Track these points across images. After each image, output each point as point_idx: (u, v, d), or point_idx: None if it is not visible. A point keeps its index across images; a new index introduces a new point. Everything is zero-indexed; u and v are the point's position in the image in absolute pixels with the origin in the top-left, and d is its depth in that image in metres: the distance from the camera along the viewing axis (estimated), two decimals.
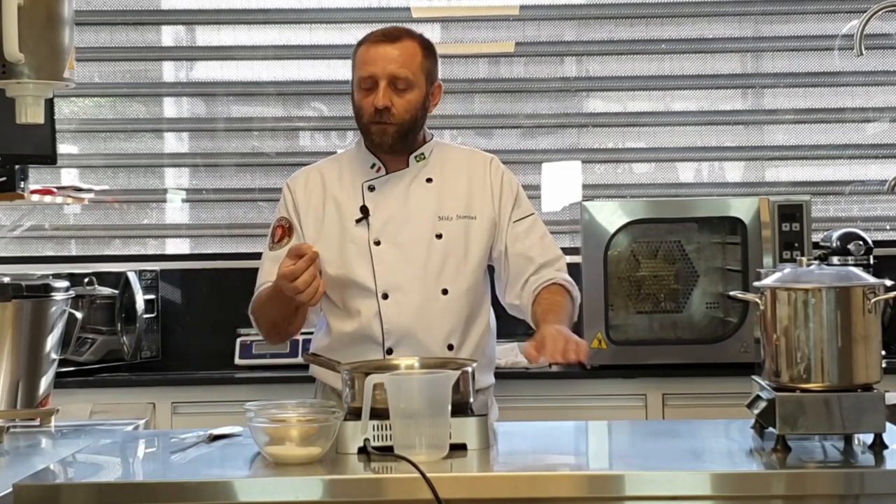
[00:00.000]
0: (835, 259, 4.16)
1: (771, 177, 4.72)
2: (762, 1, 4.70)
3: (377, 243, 2.88)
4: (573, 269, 4.22)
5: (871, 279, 2.37)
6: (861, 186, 4.69)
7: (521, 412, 3.58)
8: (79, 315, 3.33)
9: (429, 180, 2.95)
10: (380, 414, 2.30)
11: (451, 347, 2.88)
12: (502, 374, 3.50)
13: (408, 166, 2.95)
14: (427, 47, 2.92)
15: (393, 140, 2.88)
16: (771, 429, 2.36)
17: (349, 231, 2.90)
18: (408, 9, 4.69)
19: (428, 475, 2.11)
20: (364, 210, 2.90)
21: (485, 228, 2.93)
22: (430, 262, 2.88)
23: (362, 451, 2.32)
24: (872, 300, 2.33)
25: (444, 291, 2.88)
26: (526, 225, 2.96)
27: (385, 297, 2.87)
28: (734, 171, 4.75)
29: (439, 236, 2.89)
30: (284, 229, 2.96)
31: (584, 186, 4.67)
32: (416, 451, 2.23)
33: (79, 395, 3.87)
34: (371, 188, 2.94)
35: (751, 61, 4.75)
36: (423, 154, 2.96)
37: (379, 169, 2.95)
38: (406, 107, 2.86)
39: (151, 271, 4.36)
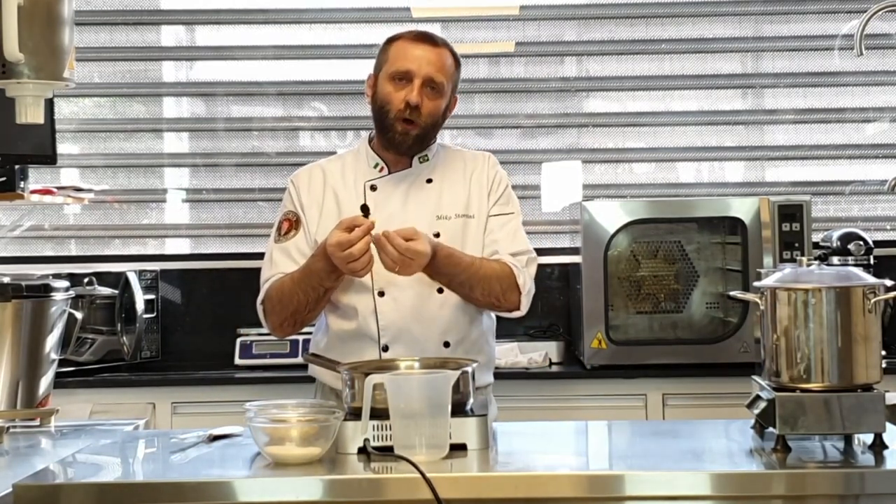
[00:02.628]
0: (835, 259, 4.16)
1: (771, 177, 4.72)
2: (762, 1, 4.70)
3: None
4: (573, 269, 4.25)
5: (871, 279, 2.37)
6: (861, 186, 4.69)
7: (521, 412, 3.58)
8: (79, 315, 3.34)
9: (429, 181, 2.97)
10: (380, 414, 2.30)
11: (447, 345, 2.88)
12: (502, 374, 3.51)
13: (410, 167, 2.96)
14: (457, 61, 2.96)
15: (413, 141, 2.90)
16: (771, 429, 2.36)
17: None
18: (408, 9, 4.69)
19: (428, 475, 2.11)
20: (364, 209, 2.91)
21: (480, 227, 2.95)
22: None
23: (362, 451, 2.32)
24: (872, 300, 2.33)
25: (440, 290, 2.88)
26: (502, 221, 2.96)
27: (381, 294, 2.88)
28: (734, 171, 4.75)
29: (437, 235, 2.89)
30: (291, 222, 2.97)
31: (584, 186, 4.67)
32: (416, 451, 2.23)
33: (79, 395, 3.87)
34: (373, 187, 2.95)
35: (751, 61, 4.75)
36: (426, 156, 2.98)
37: (382, 169, 2.96)
38: (432, 111, 2.89)
39: (151, 271, 4.36)
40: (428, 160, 2.98)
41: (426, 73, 2.86)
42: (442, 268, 2.76)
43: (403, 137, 2.89)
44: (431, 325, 2.88)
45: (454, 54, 2.95)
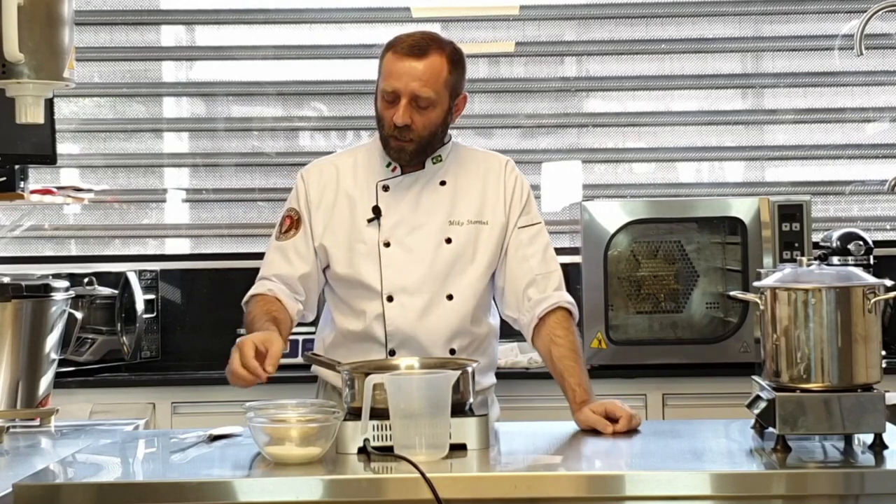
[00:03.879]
0: (835, 259, 4.16)
1: (771, 177, 4.72)
2: (762, 1, 4.70)
3: (387, 245, 2.87)
4: (573, 269, 4.25)
5: (871, 279, 2.37)
6: (861, 186, 4.69)
7: (522, 412, 3.58)
8: (79, 315, 3.34)
9: (442, 183, 2.92)
10: (380, 414, 2.30)
11: (452, 352, 2.87)
12: (502, 374, 3.49)
13: (423, 168, 2.92)
14: (454, 60, 2.87)
15: (410, 156, 2.86)
16: (771, 429, 2.36)
17: (359, 230, 2.89)
18: (408, 9, 4.69)
19: (428, 475, 2.11)
20: (376, 210, 2.88)
21: (495, 234, 2.91)
22: (438, 266, 2.87)
23: (362, 451, 2.32)
24: (872, 300, 2.33)
25: (450, 297, 2.87)
26: (531, 233, 2.93)
27: (390, 299, 2.86)
28: (734, 171, 4.75)
29: (449, 241, 2.88)
30: (293, 220, 2.93)
31: (584, 186, 4.67)
32: (416, 451, 2.23)
33: (79, 395, 3.87)
34: (385, 188, 2.91)
35: (751, 61, 4.75)
36: (439, 156, 2.92)
37: (395, 168, 2.92)
38: (426, 124, 2.83)
39: (151, 271, 4.36)
40: (441, 161, 2.93)
41: (411, 91, 2.79)
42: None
43: (399, 154, 2.85)
44: (438, 331, 2.86)
45: (450, 55, 2.86)
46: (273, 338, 2.57)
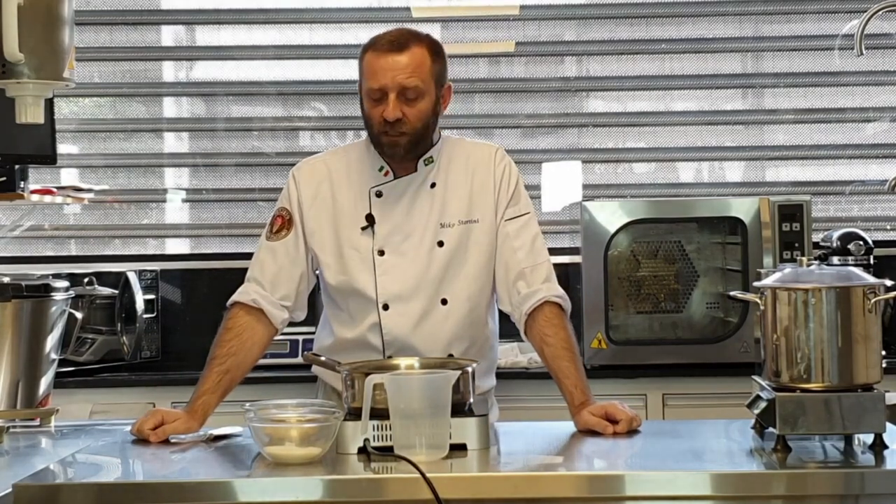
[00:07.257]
0: (835, 259, 4.16)
1: (771, 177, 4.72)
2: (762, 1, 4.70)
3: (381, 253, 2.84)
4: (573, 269, 4.25)
5: (871, 279, 2.37)
6: (861, 186, 4.69)
7: (521, 412, 3.57)
8: (79, 315, 3.34)
9: (433, 185, 2.88)
10: (380, 414, 2.30)
11: (450, 357, 2.83)
12: (502, 374, 3.49)
13: (416, 171, 2.88)
14: (435, 51, 2.83)
15: (405, 150, 2.82)
16: (771, 429, 2.36)
17: (352, 238, 2.86)
18: (408, 9, 4.69)
19: (428, 475, 2.11)
20: (370, 219, 2.85)
21: (486, 231, 2.88)
22: (431, 271, 2.84)
23: (362, 451, 2.32)
24: (872, 300, 2.33)
25: (444, 301, 2.85)
26: (518, 224, 2.90)
27: (385, 307, 2.84)
28: (734, 171, 4.75)
29: (441, 244, 2.85)
30: (284, 220, 2.90)
31: (584, 186, 4.67)
32: (416, 452, 2.23)
33: (79, 395, 3.87)
34: (378, 194, 2.87)
35: (751, 61, 4.76)
36: (431, 157, 2.88)
37: (387, 172, 2.88)
38: (418, 116, 2.79)
39: (151, 271, 4.36)
40: (433, 162, 2.89)
41: (398, 84, 2.75)
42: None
43: (393, 149, 2.81)
44: (436, 338, 2.85)
45: (430, 45, 2.82)
46: (180, 424, 2.63)
